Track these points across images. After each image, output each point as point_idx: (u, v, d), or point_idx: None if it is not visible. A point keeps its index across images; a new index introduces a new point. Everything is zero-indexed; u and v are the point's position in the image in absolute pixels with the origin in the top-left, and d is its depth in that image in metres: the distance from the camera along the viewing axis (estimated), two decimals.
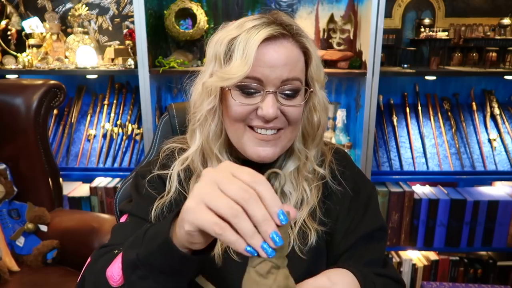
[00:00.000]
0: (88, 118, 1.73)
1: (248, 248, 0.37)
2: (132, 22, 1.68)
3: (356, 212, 0.66)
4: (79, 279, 0.58)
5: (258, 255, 0.37)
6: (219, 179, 0.38)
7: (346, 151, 0.77)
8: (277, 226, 0.37)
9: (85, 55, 1.58)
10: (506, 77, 1.65)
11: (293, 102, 0.61)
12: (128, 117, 1.71)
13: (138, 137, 1.69)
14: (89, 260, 0.59)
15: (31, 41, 1.65)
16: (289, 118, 0.61)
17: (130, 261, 0.48)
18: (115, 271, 0.51)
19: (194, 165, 0.66)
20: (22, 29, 1.67)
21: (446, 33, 1.61)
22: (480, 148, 1.65)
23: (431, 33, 1.59)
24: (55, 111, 1.74)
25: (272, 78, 0.58)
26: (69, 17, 1.70)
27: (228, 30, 0.61)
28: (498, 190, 1.73)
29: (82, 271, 0.59)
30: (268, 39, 0.58)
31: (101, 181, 1.70)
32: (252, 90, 0.59)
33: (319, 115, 0.65)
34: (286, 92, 0.60)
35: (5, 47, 1.70)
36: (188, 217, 0.39)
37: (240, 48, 0.57)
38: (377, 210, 0.69)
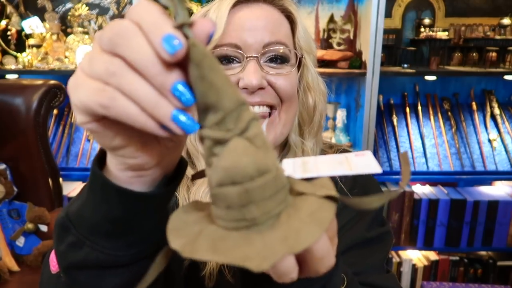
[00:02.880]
0: None
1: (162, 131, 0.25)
2: None
3: (360, 219, 0.60)
4: None
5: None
6: (99, 34, 0.26)
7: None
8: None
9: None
10: (506, 77, 1.65)
11: (282, 71, 0.54)
12: None
13: None
14: None
15: (31, 41, 1.65)
16: (280, 91, 0.54)
17: (59, 224, 0.36)
18: (54, 252, 0.40)
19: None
20: (22, 29, 1.67)
21: (446, 33, 1.61)
22: (480, 148, 1.65)
23: (431, 33, 1.60)
24: (55, 111, 1.74)
25: (252, 42, 0.52)
26: (69, 17, 1.70)
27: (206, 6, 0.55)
28: (498, 190, 1.73)
29: None
30: (242, 2, 0.53)
31: None
32: (231, 59, 0.53)
33: (314, 96, 0.59)
34: (270, 56, 0.53)
35: (5, 47, 1.70)
36: (71, 98, 0.27)
37: (213, 16, 0.52)
38: (380, 217, 0.64)
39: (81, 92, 0.25)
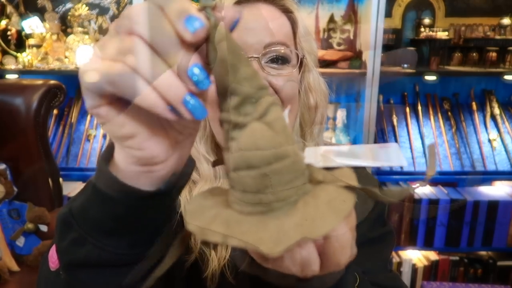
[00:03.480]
0: (88, 118, 1.73)
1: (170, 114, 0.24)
2: None
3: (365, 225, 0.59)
4: None
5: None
6: (115, 22, 0.26)
7: None
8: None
9: (85, 55, 1.58)
10: (506, 77, 1.65)
11: (283, 72, 0.53)
12: None
13: None
14: None
15: (31, 41, 1.65)
16: (281, 92, 0.53)
17: (61, 219, 0.35)
18: (54, 248, 0.39)
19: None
20: (22, 29, 1.67)
21: (446, 33, 1.61)
22: (480, 148, 1.65)
23: (431, 33, 1.59)
24: (55, 111, 1.73)
25: (252, 42, 0.51)
26: (69, 17, 1.70)
27: None
28: (498, 190, 1.73)
29: None
30: (243, 2, 0.52)
31: None
32: None
33: (315, 97, 0.58)
34: (271, 57, 0.52)
35: (5, 47, 1.69)
36: (82, 82, 0.26)
37: None
38: (383, 217, 0.63)
39: (91, 73, 0.25)
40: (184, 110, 0.24)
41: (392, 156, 0.30)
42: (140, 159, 0.29)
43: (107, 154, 0.32)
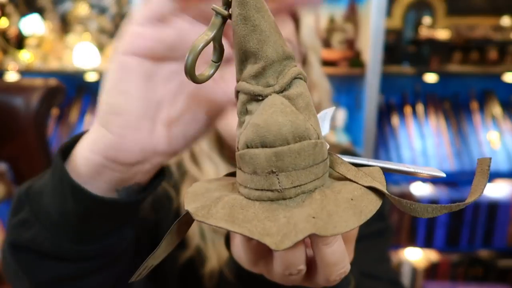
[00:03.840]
0: (88, 118, 1.73)
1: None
2: None
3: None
4: None
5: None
6: None
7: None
8: None
9: (85, 55, 1.58)
10: (506, 77, 1.65)
11: None
12: None
13: None
14: None
15: (31, 41, 1.65)
16: None
17: (17, 196, 0.35)
18: None
19: (187, 167, 0.56)
20: (22, 29, 1.67)
21: (447, 32, 1.61)
22: (480, 148, 1.65)
23: (431, 32, 1.59)
24: (55, 111, 1.73)
25: None
26: (69, 17, 1.70)
27: None
28: (498, 190, 1.73)
29: None
30: None
31: None
32: None
33: (319, 95, 0.58)
34: None
35: (5, 47, 1.69)
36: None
37: None
38: (382, 213, 0.62)
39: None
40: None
41: (431, 169, 0.26)
42: (116, 160, 0.29)
43: (66, 150, 0.31)
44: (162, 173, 0.34)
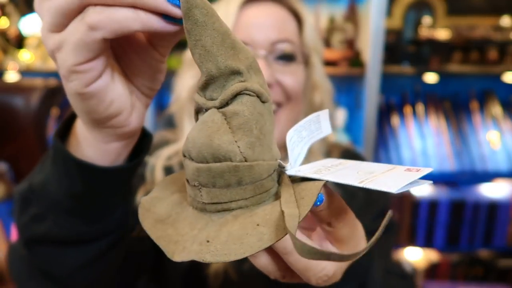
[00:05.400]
0: None
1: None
2: None
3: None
4: None
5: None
6: None
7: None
8: None
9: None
10: (506, 77, 1.65)
11: (290, 69, 0.54)
12: None
13: None
14: None
15: (31, 41, 1.65)
16: (287, 89, 0.54)
17: (21, 197, 0.35)
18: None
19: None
20: (22, 29, 1.67)
21: (447, 32, 1.61)
22: (480, 148, 1.65)
23: (431, 32, 1.59)
24: (55, 111, 1.73)
25: (260, 39, 0.52)
26: None
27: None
28: (498, 190, 1.73)
29: None
30: (251, 1, 0.53)
31: None
32: None
33: (321, 96, 0.59)
34: (278, 54, 0.53)
35: (5, 47, 1.69)
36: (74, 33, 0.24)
37: (222, 14, 0.51)
38: (387, 210, 0.63)
39: (68, 31, 0.23)
40: (176, 10, 0.22)
41: (393, 180, 0.24)
42: (121, 135, 0.29)
43: (62, 132, 0.32)
44: (146, 139, 0.34)
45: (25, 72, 1.61)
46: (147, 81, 0.29)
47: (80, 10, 0.23)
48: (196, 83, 0.54)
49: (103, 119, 0.28)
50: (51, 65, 1.62)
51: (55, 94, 1.43)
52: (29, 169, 1.33)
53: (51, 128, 1.71)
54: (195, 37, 0.22)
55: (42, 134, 1.42)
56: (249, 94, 0.23)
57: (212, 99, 0.23)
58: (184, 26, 0.22)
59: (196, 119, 0.24)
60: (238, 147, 0.22)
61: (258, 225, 0.22)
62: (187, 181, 0.24)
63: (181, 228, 0.23)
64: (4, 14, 1.71)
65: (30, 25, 1.64)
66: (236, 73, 0.23)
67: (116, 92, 0.27)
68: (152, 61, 0.27)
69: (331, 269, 0.25)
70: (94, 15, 0.22)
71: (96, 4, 0.22)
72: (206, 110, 0.23)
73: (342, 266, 0.27)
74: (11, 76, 1.66)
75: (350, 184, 0.23)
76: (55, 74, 1.64)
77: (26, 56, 1.61)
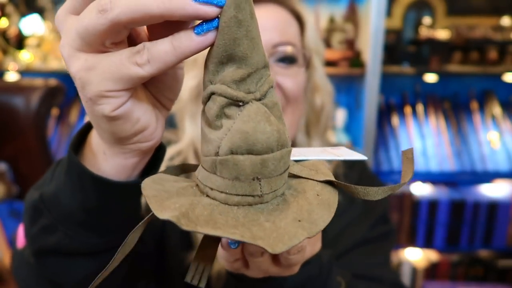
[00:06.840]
0: (88, 118, 1.72)
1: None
2: None
3: (360, 219, 0.60)
4: None
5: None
6: None
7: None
8: None
9: None
10: (506, 77, 1.65)
11: (290, 71, 0.53)
12: None
13: None
14: None
15: (31, 41, 1.65)
16: (287, 92, 0.53)
17: (32, 206, 0.34)
18: (21, 228, 0.38)
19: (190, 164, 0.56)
20: (22, 29, 1.67)
21: (447, 32, 1.61)
22: (480, 148, 1.65)
23: (431, 32, 1.59)
24: (55, 111, 1.74)
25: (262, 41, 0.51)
26: None
27: None
28: (498, 190, 1.73)
29: None
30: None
31: None
32: None
33: (322, 97, 0.59)
34: (279, 57, 0.52)
35: (5, 47, 1.69)
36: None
37: None
38: (385, 216, 0.62)
39: (110, 60, 0.22)
40: (206, 9, 0.21)
41: (351, 152, 0.29)
42: (144, 150, 0.29)
43: (76, 144, 0.32)
44: (161, 151, 0.34)
45: (25, 72, 1.61)
46: (166, 92, 0.28)
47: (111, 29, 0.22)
48: (196, 83, 0.54)
49: (129, 136, 0.27)
50: (51, 65, 1.62)
51: (55, 94, 1.43)
52: (29, 169, 1.33)
53: (51, 128, 1.71)
54: (247, 27, 0.22)
55: (42, 134, 1.42)
56: (272, 87, 0.24)
57: (250, 92, 0.23)
58: (232, 16, 0.21)
59: (221, 115, 0.23)
60: (287, 133, 0.24)
61: (318, 195, 0.24)
62: (235, 178, 0.23)
63: (245, 228, 0.22)
64: (4, 14, 1.71)
65: (30, 25, 1.64)
66: (268, 66, 0.24)
67: (142, 109, 0.26)
68: (172, 69, 0.26)
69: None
70: (145, 55, 0.21)
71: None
72: (243, 104, 0.23)
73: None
74: (11, 76, 1.66)
75: (333, 159, 0.27)
76: (55, 74, 1.64)
77: (26, 56, 1.61)
